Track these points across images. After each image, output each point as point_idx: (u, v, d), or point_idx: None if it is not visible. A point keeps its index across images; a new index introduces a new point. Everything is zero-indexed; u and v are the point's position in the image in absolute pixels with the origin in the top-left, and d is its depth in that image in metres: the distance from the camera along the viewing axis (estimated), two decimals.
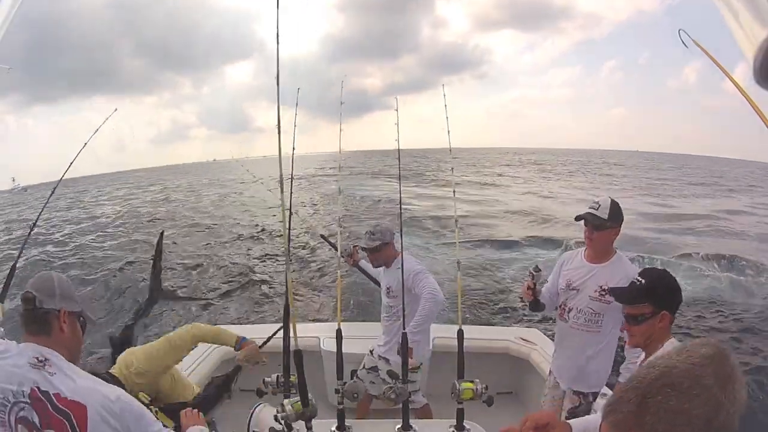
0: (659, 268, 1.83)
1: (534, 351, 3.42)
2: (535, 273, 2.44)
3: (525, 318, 7.16)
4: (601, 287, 2.35)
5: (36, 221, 2.87)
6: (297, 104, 2.60)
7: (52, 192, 3.14)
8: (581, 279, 2.44)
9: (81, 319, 1.47)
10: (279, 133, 1.76)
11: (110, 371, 2.01)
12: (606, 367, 2.48)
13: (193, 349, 2.33)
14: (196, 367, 3.00)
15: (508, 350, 3.53)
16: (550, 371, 2.72)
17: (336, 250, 3.20)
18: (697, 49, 1.46)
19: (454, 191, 3.16)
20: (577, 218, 2.41)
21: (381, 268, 3.13)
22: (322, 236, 3.85)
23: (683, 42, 1.45)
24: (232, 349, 2.41)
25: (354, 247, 3.31)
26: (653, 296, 1.65)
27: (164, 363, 2.19)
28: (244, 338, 2.42)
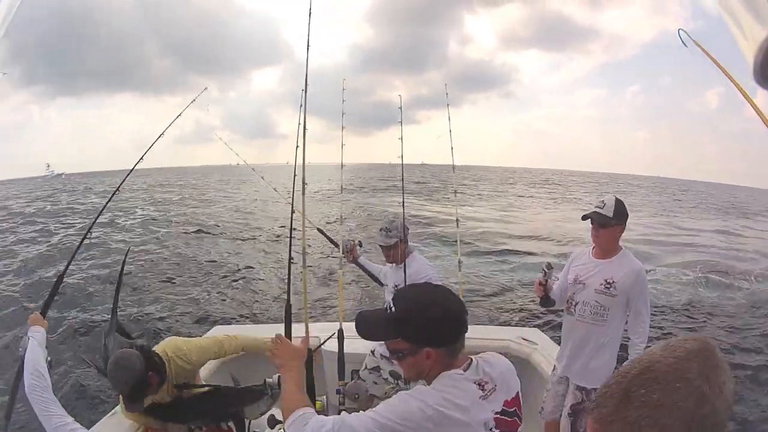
0: (422, 287, 1.42)
1: (535, 351, 3.41)
2: (547, 270, 2.56)
3: (526, 318, 7.16)
4: (606, 281, 2.45)
5: (91, 227, 2.65)
6: (303, 105, 2.49)
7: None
8: (588, 274, 2.54)
9: None
10: (304, 135, 1.80)
11: (156, 350, 2.11)
12: (610, 363, 2.50)
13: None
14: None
15: (508, 350, 3.52)
16: (554, 366, 2.76)
17: (336, 246, 3.18)
18: (697, 50, 1.46)
19: (455, 191, 3.17)
20: (584, 217, 2.52)
21: (385, 267, 3.10)
22: (320, 230, 3.73)
23: (683, 42, 1.45)
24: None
25: (353, 242, 3.28)
26: (404, 332, 1.22)
27: (209, 359, 2.35)
28: None
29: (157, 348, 2.17)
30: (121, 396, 2.00)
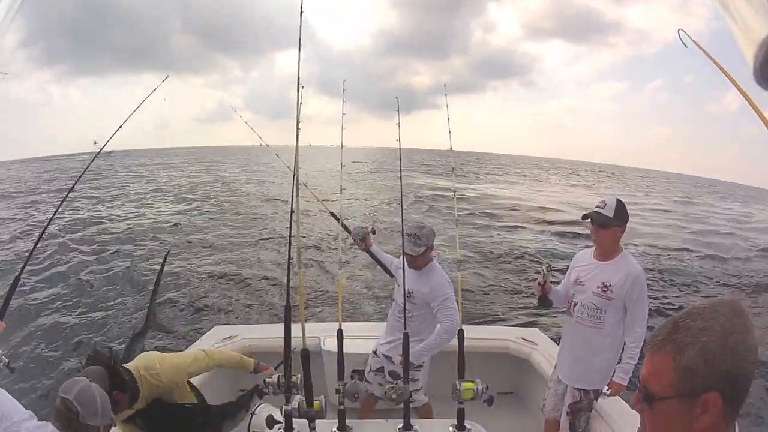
0: None
1: (535, 351, 3.42)
2: (546, 271, 2.58)
3: (526, 318, 7.16)
4: (603, 283, 2.45)
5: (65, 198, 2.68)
6: (300, 102, 2.43)
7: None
8: (588, 275, 2.54)
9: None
10: (297, 135, 1.80)
11: (126, 367, 2.05)
12: (608, 365, 2.50)
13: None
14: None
15: (508, 350, 3.53)
16: (555, 365, 2.77)
17: (348, 232, 3.15)
18: (698, 50, 1.46)
19: (454, 191, 3.17)
20: (584, 217, 2.51)
21: (398, 260, 3.01)
22: (333, 214, 3.49)
23: (683, 42, 1.45)
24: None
25: (365, 230, 3.16)
26: None
27: (185, 377, 2.29)
28: (258, 363, 2.55)
29: (131, 364, 2.12)
30: None
